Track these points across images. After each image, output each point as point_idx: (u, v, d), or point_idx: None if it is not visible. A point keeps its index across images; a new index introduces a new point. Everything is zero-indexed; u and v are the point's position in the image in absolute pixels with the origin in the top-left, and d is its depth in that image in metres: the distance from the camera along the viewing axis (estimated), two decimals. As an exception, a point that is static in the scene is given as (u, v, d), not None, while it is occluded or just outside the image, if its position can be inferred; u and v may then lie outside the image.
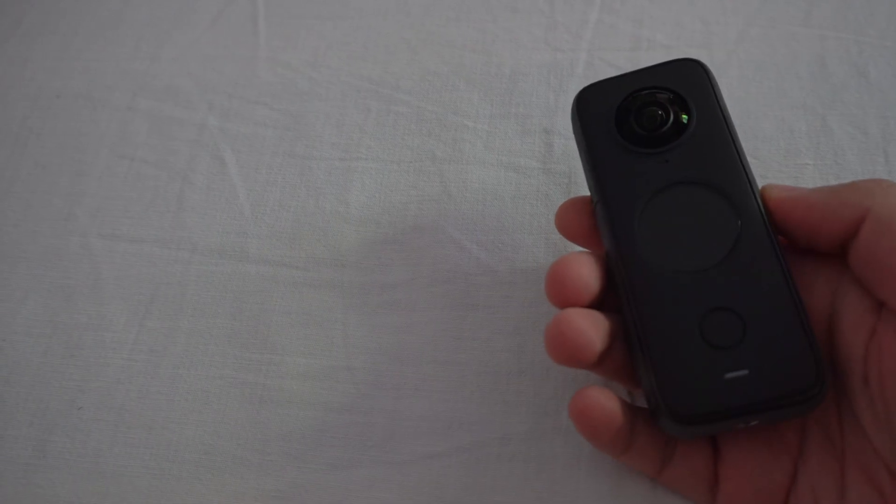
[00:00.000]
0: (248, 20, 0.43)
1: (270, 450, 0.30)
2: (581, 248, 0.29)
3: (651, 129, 0.28)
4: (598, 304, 0.27)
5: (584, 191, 0.30)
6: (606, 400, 0.25)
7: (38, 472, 0.31)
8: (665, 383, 0.24)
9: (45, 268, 0.36)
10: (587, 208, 0.28)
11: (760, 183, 0.27)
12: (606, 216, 0.27)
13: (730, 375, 0.24)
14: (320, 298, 0.33)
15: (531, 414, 0.30)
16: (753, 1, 0.39)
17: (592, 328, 0.25)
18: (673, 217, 0.26)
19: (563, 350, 0.25)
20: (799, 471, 0.25)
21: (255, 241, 0.35)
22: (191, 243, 0.36)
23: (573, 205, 0.29)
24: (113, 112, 0.40)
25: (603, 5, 0.40)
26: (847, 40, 0.37)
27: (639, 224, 0.26)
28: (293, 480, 0.29)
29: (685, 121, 0.28)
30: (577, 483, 0.28)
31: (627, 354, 0.26)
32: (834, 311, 0.25)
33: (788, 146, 0.34)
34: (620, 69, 0.37)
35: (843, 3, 0.38)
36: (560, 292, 0.26)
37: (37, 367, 0.33)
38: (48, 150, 0.40)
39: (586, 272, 0.26)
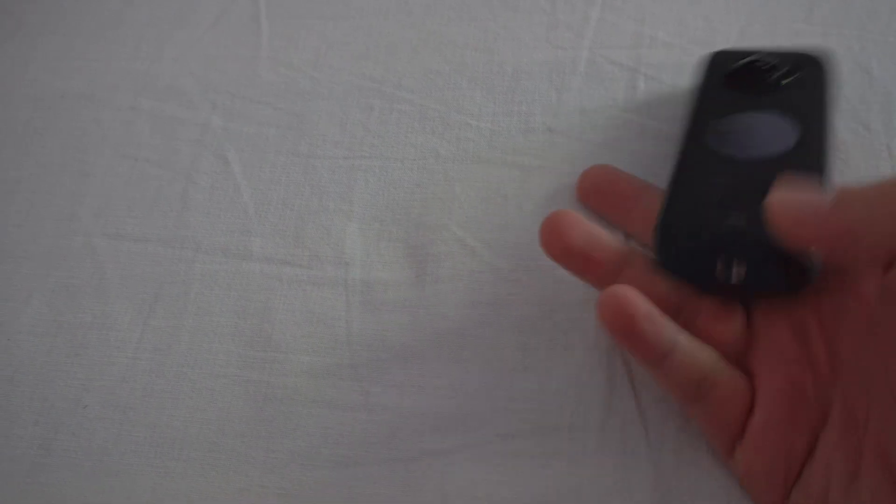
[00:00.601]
0: (250, 20, 0.43)
1: (275, 447, 0.30)
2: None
3: (753, 79, 0.32)
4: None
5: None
6: (638, 295, 0.26)
7: (43, 470, 0.31)
8: (670, 207, 0.28)
9: (48, 267, 0.36)
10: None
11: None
12: (687, 124, 0.31)
13: (730, 221, 0.27)
14: (324, 296, 0.33)
15: (535, 411, 0.30)
16: (755, -2, 0.39)
17: (584, 222, 0.29)
18: (746, 126, 0.30)
19: (549, 235, 0.29)
20: (819, 443, 0.24)
21: (258, 239, 0.35)
22: (195, 242, 0.36)
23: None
24: (116, 112, 0.41)
25: (604, 3, 0.40)
26: (849, 37, 0.37)
27: (713, 124, 0.31)
28: (298, 478, 0.29)
29: (785, 78, 0.32)
30: (581, 480, 0.28)
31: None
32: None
33: (791, 142, 0.34)
34: (622, 66, 0.37)
35: (845, 0, 0.38)
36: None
37: (41, 367, 0.33)
38: (51, 150, 0.40)
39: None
